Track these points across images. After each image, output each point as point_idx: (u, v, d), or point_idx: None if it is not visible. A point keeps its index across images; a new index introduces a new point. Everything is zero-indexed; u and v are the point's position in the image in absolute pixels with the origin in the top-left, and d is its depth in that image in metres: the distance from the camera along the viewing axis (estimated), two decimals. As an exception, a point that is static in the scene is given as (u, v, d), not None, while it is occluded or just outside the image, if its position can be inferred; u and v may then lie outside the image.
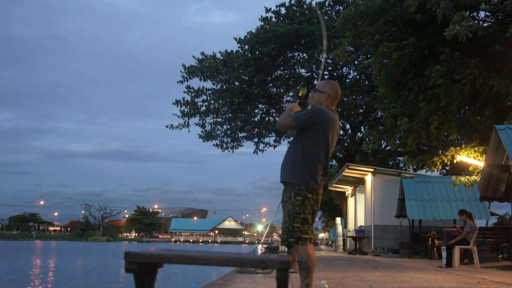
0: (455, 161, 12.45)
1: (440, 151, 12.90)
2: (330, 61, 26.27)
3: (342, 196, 27.97)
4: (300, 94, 4.09)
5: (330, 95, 3.94)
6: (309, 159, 3.73)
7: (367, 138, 25.28)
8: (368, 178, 20.77)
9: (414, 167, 20.86)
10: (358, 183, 22.80)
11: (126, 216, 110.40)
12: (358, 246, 19.75)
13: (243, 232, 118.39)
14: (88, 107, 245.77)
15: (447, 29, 8.83)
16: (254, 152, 29.28)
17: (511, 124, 10.03)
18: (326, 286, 5.66)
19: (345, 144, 28.27)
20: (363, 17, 12.28)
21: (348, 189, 25.74)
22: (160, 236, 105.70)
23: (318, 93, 3.98)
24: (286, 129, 3.90)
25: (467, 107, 12.51)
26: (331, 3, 26.71)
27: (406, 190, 17.28)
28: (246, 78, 26.33)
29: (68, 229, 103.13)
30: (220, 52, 26.87)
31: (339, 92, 4.04)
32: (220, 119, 28.33)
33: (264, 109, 29.10)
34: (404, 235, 18.56)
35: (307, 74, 27.95)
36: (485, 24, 11.66)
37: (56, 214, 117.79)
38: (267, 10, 26.89)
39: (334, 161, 30.16)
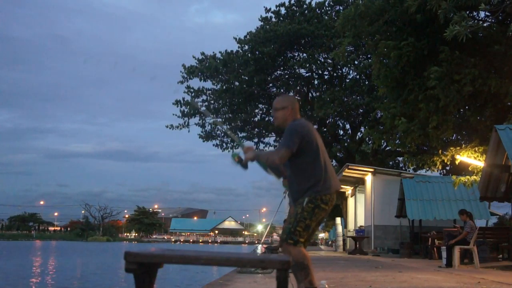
0: (457, 162, 12.45)
1: (440, 150, 12.90)
2: (330, 61, 26.30)
3: (342, 196, 27.95)
4: (236, 160, 3.86)
5: (291, 108, 3.90)
6: (315, 172, 3.71)
7: (367, 138, 25.30)
8: (368, 178, 20.77)
9: (414, 166, 20.85)
10: (358, 183, 22.80)
11: (126, 216, 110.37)
12: (358, 246, 19.74)
13: (243, 232, 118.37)
14: (88, 107, 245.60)
15: (447, 30, 8.83)
16: (254, 152, 29.28)
17: (511, 124, 10.03)
18: (326, 286, 5.66)
19: (345, 144, 28.28)
20: (363, 17, 12.29)
21: (348, 189, 25.73)
22: (160, 237, 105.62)
23: (280, 111, 3.91)
24: (286, 160, 3.74)
25: (466, 107, 12.52)
26: (331, 3, 26.72)
27: (406, 190, 17.28)
28: (246, 78, 26.34)
29: (68, 229, 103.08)
30: (220, 52, 26.92)
31: (296, 101, 4.02)
32: (220, 119, 28.34)
33: (264, 109, 29.11)
34: (404, 235, 18.55)
35: (306, 74, 27.98)
36: (485, 24, 11.66)
37: (56, 214, 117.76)
38: (267, 10, 26.92)
39: (334, 161, 30.15)
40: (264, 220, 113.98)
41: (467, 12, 10.37)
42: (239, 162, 3.86)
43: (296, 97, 28.53)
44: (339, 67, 26.99)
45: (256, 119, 28.48)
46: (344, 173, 20.91)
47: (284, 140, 3.74)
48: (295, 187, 3.80)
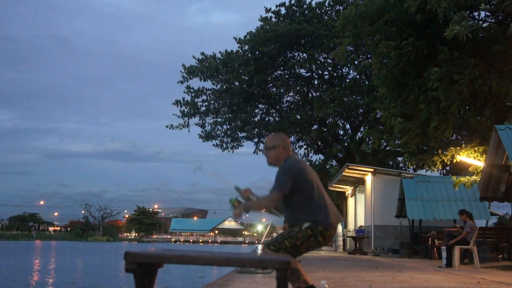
0: (455, 161, 12.45)
1: (440, 150, 12.90)
2: (330, 61, 26.30)
3: (342, 196, 27.96)
4: (236, 204, 3.81)
5: (283, 146, 3.85)
6: (313, 210, 3.65)
7: (367, 138, 25.31)
8: (368, 178, 20.77)
9: (414, 166, 20.84)
10: (358, 183, 22.79)
11: (126, 216, 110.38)
12: (358, 246, 19.74)
13: (243, 232, 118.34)
14: (88, 107, 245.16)
15: (447, 29, 8.83)
16: (254, 152, 29.33)
17: (511, 124, 10.03)
18: (326, 286, 5.66)
19: (345, 144, 28.28)
20: (363, 17, 12.28)
21: (348, 189, 25.73)
22: (160, 237, 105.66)
23: (272, 150, 3.85)
24: (279, 201, 3.71)
25: (467, 107, 12.51)
26: (331, 3, 26.72)
27: (406, 190, 17.28)
28: (246, 78, 26.35)
29: (68, 229, 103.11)
30: (220, 52, 26.92)
31: (287, 139, 3.97)
32: (220, 119, 28.35)
33: (264, 109, 29.13)
34: (404, 235, 18.55)
35: (307, 74, 27.98)
36: (485, 24, 11.66)
37: (56, 214, 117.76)
38: (267, 10, 26.92)
39: (334, 161, 30.16)
40: (264, 220, 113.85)
41: (467, 12, 10.37)
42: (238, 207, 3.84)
43: (296, 97, 28.62)
44: (339, 67, 26.98)
45: (256, 119, 28.49)
46: (344, 173, 20.91)
47: (275, 182, 3.69)
48: (294, 223, 3.73)
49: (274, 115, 29.28)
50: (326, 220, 3.64)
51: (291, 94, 28.91)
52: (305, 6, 26.61)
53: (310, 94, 28.72)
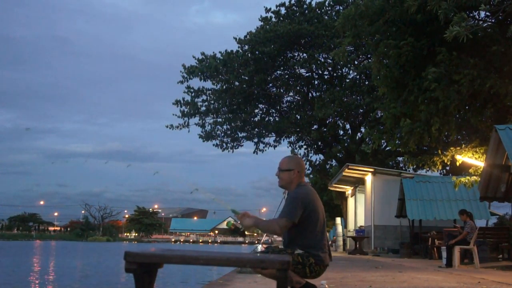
0: (457, 163, 12.44)
1: (440, 151, 12.89)
2: (330, 61, 26.30)
3: (342, 196, 27.96)
4: (232, 227, 3.87)
5: (298, 171, 3.80)
6: (312, 241, 3.63)
7: (367, 138, 25.30)
8: (368, 178, 20.77)
9: (414, 166, 20.85)
10: (358, 183, 22.80)
11: (126, 216, 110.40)
12: (358, 246, 19.74)
13: (243, 232, 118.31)
14: (88, 108, 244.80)
15: (447, 31, 8.83)
16: (254, 152, 29.32)
17: (511, 124, 10.03)
18: (326, 286, 5.66)
19: (345, 144, 28.28)
20: (363, 17, 12.28)
21: (348, 189, 25.74)
22: (160, 237, 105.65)
23: (286, 172, 3.81)
24: (287, 229, 3.67)
25: (467, 108, 12.51)
26: (331, 3, 26.72)
27: (406, 190, 17.28)
28: (246, 78, 26.34)
29: (68, 229, 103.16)
30: (220, 52, 26.91)
31: (303, 164, 3.93)
32: (220, 119, 28.33)
33: (264, 109, 29.11)
34: (404, 235, 18.55)
35: (307, 74, 27.98)
36: (484, 24, 11.65)
37: (56, 214, 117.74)
38: (267, 10, 26.91)
39: (334, 161, 30.16)
40: (264, 220, 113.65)
41: (467, 12, 10.36)
42: (235, 231, 3.86)
43: (296, 97, 28.61)
44: (339, 67, 26.97)
45: (256, 119, 28.47)
46: (344, 173, 20.92)
47: (286, 209, 3.65)
48: (288, 246, 3.73)
49: (274, 115, 29.28)
50: (319, 256, 3.61)
51: (291, 94, 28.90)
52: (305, 6, 26.59)
53: (310, 94, 28.72)
